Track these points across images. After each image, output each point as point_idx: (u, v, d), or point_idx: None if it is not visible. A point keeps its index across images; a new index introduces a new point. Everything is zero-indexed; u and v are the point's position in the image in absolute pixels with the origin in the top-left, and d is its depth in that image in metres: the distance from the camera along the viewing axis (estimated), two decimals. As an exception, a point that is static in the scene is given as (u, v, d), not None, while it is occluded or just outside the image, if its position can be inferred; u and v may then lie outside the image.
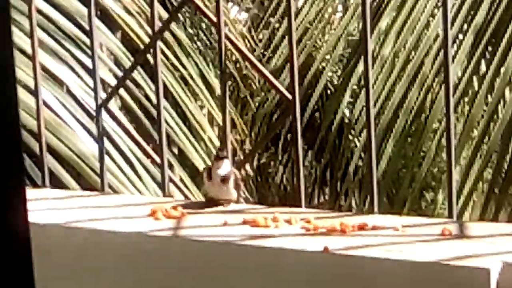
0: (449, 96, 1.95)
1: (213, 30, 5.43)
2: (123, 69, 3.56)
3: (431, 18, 4.50)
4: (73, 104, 3.37)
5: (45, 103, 2.73)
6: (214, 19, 2.22)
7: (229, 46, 2.36)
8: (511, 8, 4.16)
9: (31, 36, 2.43)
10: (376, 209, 1.97)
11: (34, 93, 2.46)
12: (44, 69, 3.16)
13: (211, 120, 4.38)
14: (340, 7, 6.07)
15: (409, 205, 4.36)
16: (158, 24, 2.30)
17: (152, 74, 2.40)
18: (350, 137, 5.41)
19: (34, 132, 2.65)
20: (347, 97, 4.85)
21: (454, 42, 4.18)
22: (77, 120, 3.33)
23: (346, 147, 5.36)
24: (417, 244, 1.73)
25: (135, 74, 3.46)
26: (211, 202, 2.09)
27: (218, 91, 4.47)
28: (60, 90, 3.42)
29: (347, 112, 5.48)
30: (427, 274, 1.63)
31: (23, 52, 3.07)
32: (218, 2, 2.17)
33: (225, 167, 2.07)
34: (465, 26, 4.30)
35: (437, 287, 1.62)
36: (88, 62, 3.44)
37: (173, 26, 4.16)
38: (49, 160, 2.72)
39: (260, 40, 6.24)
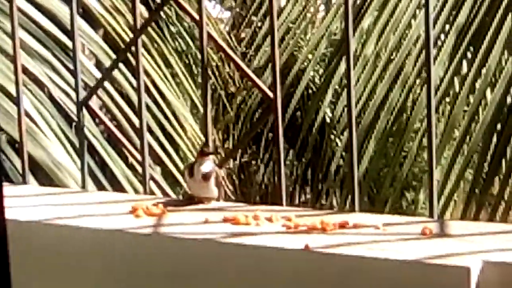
0: (430, 96, 1.95)
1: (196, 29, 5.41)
2: (104, 68, 3.54)
3: (413, 19, 4.51)
4: (51, 106, 3.34)
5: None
6: (197, 17, 2.22)
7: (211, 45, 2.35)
8: (493, 9, 4.18)
9: (12, 35, 2.40)
10: (357, 207, 1.97)
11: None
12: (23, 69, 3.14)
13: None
14: (322, 7, 6.08)
15: (390, 205, 4.37)
16: (140, 21, 2.29)
17: (133, 73, 2.39)
18: (332, 136, 5.42)
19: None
20: (329, 97, 4.85)
21: (436, 42, 4.20)
22: (55, 124, 3.30)
23: (328, 146, 5.37)
24: (398, 243, 1.73)
25: (115, 73, 3.44)
26: (192, 199, 2.08)
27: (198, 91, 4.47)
28: (38, 91, 3.39)
29: (328, 111, 5.49)
30: (407, 272, 1.64)
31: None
32: (200, 0, 2.16)
33: (207, 164, 2.06)
34: (447, 27, 4.32)
35: (417, 285, 1.63)
36: (67, 62, 3.41)
37: (151, 31, 4.14)
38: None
39: (243, 39, 6.23)
